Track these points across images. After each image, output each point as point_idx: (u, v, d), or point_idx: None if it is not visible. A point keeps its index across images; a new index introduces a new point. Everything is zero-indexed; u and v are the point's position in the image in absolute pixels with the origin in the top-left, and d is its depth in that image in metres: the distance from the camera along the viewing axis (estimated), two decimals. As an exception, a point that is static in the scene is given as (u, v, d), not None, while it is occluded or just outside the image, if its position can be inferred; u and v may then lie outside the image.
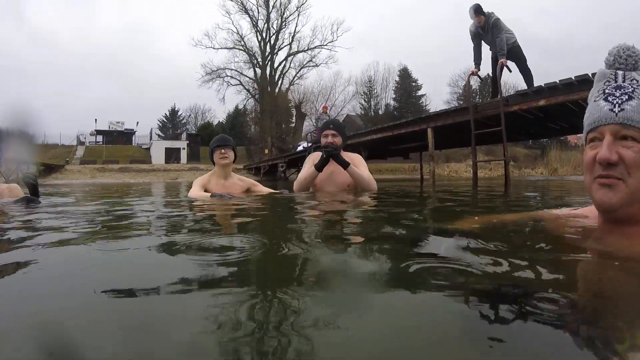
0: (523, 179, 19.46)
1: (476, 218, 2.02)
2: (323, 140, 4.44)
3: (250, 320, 0.77)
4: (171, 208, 3.45)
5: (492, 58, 8.69)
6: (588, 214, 1.63)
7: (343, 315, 0.79)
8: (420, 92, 59.95)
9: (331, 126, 4.52)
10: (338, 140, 4.38)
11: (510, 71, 8.43)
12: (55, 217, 2.53)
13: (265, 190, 4.60)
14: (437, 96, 75.72)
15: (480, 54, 8.65)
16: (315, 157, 4.48)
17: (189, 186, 4.76)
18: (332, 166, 4.35)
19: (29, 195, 3.53)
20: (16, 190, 4.07)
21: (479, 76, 9.03)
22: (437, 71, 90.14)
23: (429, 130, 10.09)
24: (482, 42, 8.58)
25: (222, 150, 4.36)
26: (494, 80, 8.71)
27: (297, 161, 23.39)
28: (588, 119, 1.40)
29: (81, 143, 52.77)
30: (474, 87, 28.51)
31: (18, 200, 3.35)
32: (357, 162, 4.45)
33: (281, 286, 0.97)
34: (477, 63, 8.68)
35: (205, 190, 4.26)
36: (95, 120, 55.34)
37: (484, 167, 31.13)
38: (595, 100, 1.39)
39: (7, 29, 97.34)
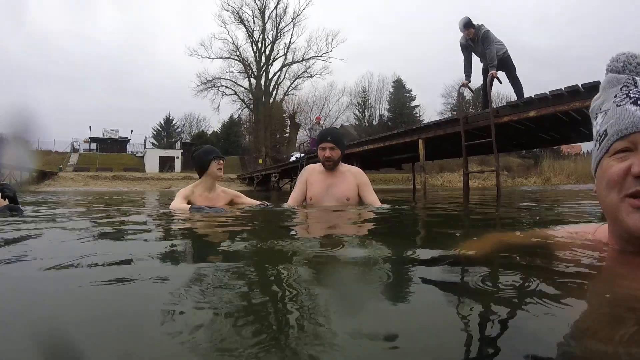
0: (516, 189, 19.51)
1: (475, 239, 1.82)
2: (320, 154, 4.15)
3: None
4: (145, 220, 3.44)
5: (482, 70, 8.73)
6: (601, 237, 1.35)
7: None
8: (414, 103, 60.18)
9: (329, 138, 4.14)
10: (336, 154, 4.09)
11: (500, 82, 8.50)
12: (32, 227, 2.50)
13: (249, 201, 4.50)
14: (431, 107, 75.98)
15: (471, 65, 8.71)
16: (310, 170, 4.29)
17: None
18: (331, 178, 4.14)
19: (10, 204, 3.46)
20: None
21: (470, 88, 9.08)
22: (431, 82, 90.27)
23: (420, 142, 10.17)
24: (473, 54, 8.64)
25: (221, 162, 4.26)
26: (485, 91, 8.72)
27: (290, 171, 23.47)
28: (614, 125, 1.15)
29: (75, 150, 53.03)
30: (467, 97, 28.56)
31: (3, 207, 3.29)
32: (362, 181, 4.17)
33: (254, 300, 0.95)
34: (467, 75, 8.73)
35: (189, 202, 4.14)
36: (90, 127, 55.72)
37: (477, 177, 31.12)
38: (619, 105, 1.15)
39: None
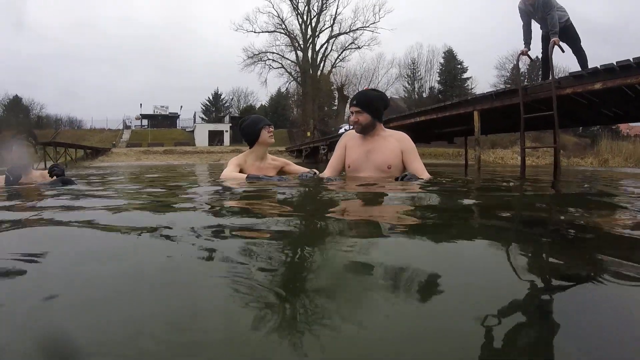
0: (572, 168, 18.73)
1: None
2: (350, 120, 3.91)
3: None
4: (207, 188, 3.43)
5: (542, 37, 8.16)
6: None
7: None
8: (465, 75, 57.78)
9: (354, 102, 3.82)
10: (363, 118, 3.73)
11: (562, 51, 7.84)
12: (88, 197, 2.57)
13: (298, 169, 4.45)
14: (484, 79, 73.61)
15: (530, 32, 8.13)
16: (349, 136, 4.00)
17: None
18: (371, 143, 3.80)
19: (62, 177, 3.49)
20: (45, 176, 4.10)
21: (529, 56, 8.48)
22: (484, 53, 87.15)
23: (475, 114, 9.66)
24: (532, 20, 8.07)
25: (271, 128, 4.19)
26: (545, 60, 8.17)
27: (338, 144, 23.34)
28: None
29: (127, 127, 54.69)
30: (522, 69, 27.47)
31: (53, 182, 3.30)
32: (407, 147, 3.76)
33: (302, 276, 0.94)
34: (526, 42, 8.15)
35: (242, 171, 4.10)
36: (140, 104, 57.44)
37: (531, 155, 29.94)
38: None
39: (50, 14, 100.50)
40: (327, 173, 3.99)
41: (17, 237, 1.41)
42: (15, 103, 60.39)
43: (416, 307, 0.76)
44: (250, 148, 4.24)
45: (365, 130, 3.79)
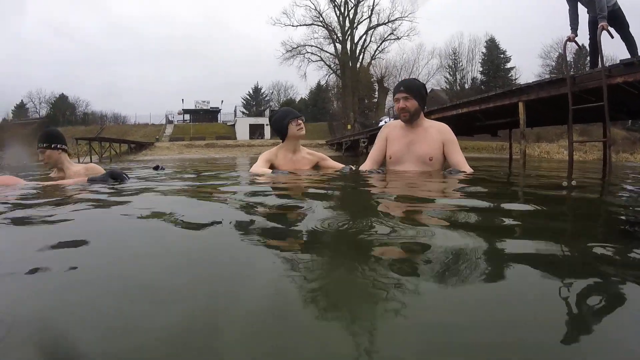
0: (620, 164, 17.90)
1: None
2: (395, 106, 3.76)
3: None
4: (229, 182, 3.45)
5: (589, 22, 7.77)
6: None
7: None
8: (509, 65, 56.14)
9: (402, 88, 3.68)
10: (411, 104, 3.60)
11: (611, 37, 7.44)
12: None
13: (335, 164, 4.30)
14: (528, 69, 71.40)
15: (577, 17, 7.75)
16: (390, 126, 3.90)
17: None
18: (412, 134, 3.69)
19: (112, 170, 3.42)
20: (94, 169, 4.14)
21: (577, 42, 8.07)
22: (527, 41, 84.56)
23: (520, 105, 9.30)
24: (579, 3, 7.69)
25: (299, 121, 4.06)
26: (593, 47, 7.75)
27: (379, 137, 23.18)
28: None
29: (170, 122, 56.00)
30: (569, 58, 26.51)
31: (104, 176, 3.23)
32: (448, 138, 3.64)
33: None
34: (573, 28, 7.77)
35: (272, 165, 4.06)
36: (182, 100, 59.03)
37: (578, 149, 28.65)
38: None
39: (87, 19, 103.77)
40: (367, 165, 3.91)
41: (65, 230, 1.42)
42: (62, 101, 62.75)
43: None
44: (282, 142, 4.17)
45: (412, 118, 3.67)
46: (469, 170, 3.50)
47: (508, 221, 1.45)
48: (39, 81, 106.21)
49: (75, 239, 1.21)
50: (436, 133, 3.66)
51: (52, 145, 4.11)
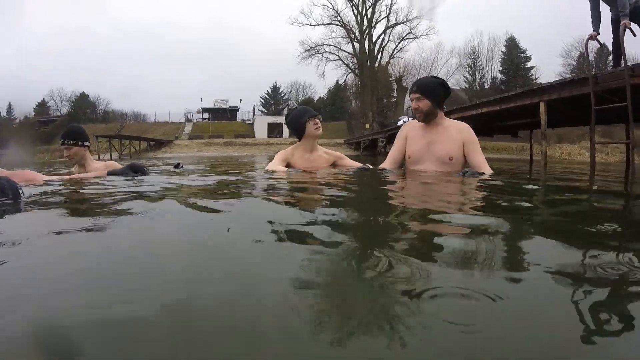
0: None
1: None
2: (411, 107, 3.72)
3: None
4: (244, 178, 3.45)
5: (612, 20, 7.58)
6: None
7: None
8: (529, 64, 55.07)
9: (414, 88, 3.66)
10: (423, 104, 3.56)
11: (634, 35, 7.25)
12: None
13: (352, 163, 4.24)
14: (548, 68, 69.98)
15: (599, 15, 7.54)
16: (410, 126, 3.84)
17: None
18: (432, 134, 3.63)
19: (133, 164, 3.44)
20: (113, 166, 4.19)
21: (599, 41, 7.87)
22: (547, 40, 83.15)
23: (542, 105, 9.10)
24: (601, 1, 7.53)
25: (316, 120, 4.02)
26: (616, 46, 7.59)
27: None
28: None
29: (189, 120, 56.68)
30: (590, 57, 26.01)
31: (124, 169, 3.27)
32: (468, 138, 3.56)
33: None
34: (595, 26, 7.56)
35: (288, 164, 4.03)
36: (201, 98, 59.56)
37: (600, 151, 27.81)
38: None
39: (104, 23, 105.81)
40: (386, 164, 3.88)
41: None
42: (83, 99, 63.87)
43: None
44: (299, 141, 4.14)
45: (427, 118, 3.62)
46: (489, 171, 3.42)
47: (529, 227, 1.40)
48: (59, 81, 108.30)
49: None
50: (456, 132, 3.58)
51: (79, 143, 4.16)
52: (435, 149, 3.59)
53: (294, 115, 4.12)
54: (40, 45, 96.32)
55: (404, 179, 3.21)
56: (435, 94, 3.60)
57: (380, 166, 3.89)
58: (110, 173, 3.20)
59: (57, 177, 3.36)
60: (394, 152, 3.89)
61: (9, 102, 62.26)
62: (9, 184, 1.97)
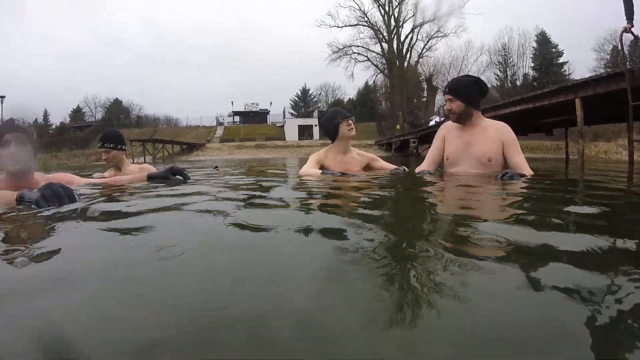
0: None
1: None
2: (445, 109, 3.69)
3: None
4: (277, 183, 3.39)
5: None
6: None
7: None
8: (561, 60, 53.29)
9: (446, 90, 3.63)
10: (456, 105, 3.50)
11: None
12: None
13: (386, 165, 4.18)
14: (581, 63, 67.86)
15: (633, 6, 7.30)
16: (447, 127, 3.76)
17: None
18: (470, 135, 3.54)
19: (174, 166, 3.40)
20: (148, 169, 4.33)
21: (633, 33, 7.55)
22: (579, 34, 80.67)
23: (577, 102, 8.96)
24: None
25: (350, 121, 3.99)
26: None
27: (429, 136, 22.79)
28: None
29: (220, 124, 57.27)
30: (624, 50, 25.15)
31: (164, 172, 3.25)
32: (507, 138, 3.45)
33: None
34: (629, 18, 7.29)
35: (322, 166, 3.99)
36: (232, 102, 60.63)
37: (638, 149, 26.98)
38: None
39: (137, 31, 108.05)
40: (424, 165, 3.80)
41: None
42: (116, 105, 65.65)
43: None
44: (332, 142, 4.12)
45: (462, 119, 3.56)
46: (529, 172, 3.28)
47: (575, 234, 1.35)
48: (92, 87, 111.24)
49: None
50: (494, 133, 3.49)
51: (118, 146, 4.29)
52: (473, 150, 3.51)
53: (327, 116, 4.11)
54: (74, 53, 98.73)
55: (441, 182, 3.10)
56: (468, 94, 3.53)
57: (418, 168, 3.81)
58: (149, 177, 3.21)
59: (94, 179, 3.39)
60: (432, 153, 3.84)
61: (45, 109, 64.09)
62: (65, 190, 1.97)
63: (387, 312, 0.70)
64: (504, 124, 3.57)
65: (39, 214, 1.74)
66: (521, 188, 2.55)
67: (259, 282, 0.86)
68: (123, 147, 4.37)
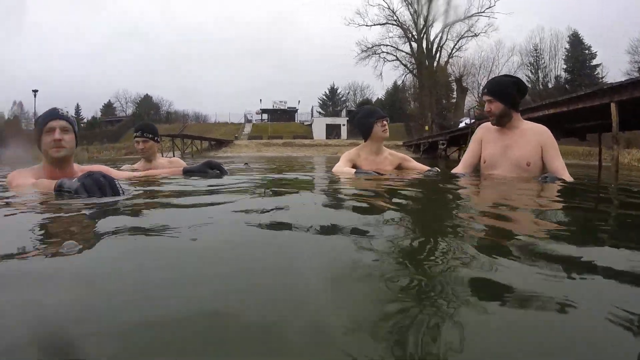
0: None
1: None
2: (484, 110, 3.57)
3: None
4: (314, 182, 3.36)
5: None
6: None
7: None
8: (594, 62, 51.81)
9: (485, 90, 3.50)
10: (495, 107, 3.37)
11: None
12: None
13: (418, 166, 4.12)
14: (615, 66, 65.96)
15: None
16: (485, 128, 3.62)
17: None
18: (509, 137, 3.40)
19: (210, 160, 3.43)
20: (177, 162, 4.47)
21: None
22: (612, 35, 78.42)
23: (613, 106, 8.70)
24: None
25: (384, 122, 3.93)
26: None
27: (459, 138, 22.60)
28: None
29: (248, 121, 58.08)
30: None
31: (201, 166, 3.27)
32: (547, 141, 3.30)
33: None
34: None
35: (354, 165, 3.93)
36: (260, 100, 60.78)
37: None
38: None
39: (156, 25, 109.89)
40: (459, 168, 3.69)
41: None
42: (146, 101, 67.07)
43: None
44: (364, 141, 4.08)
45: (501, 121, 3.42)
46: (569, 179, 3.13)
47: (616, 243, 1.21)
48: (122, 83, 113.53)
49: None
50: (534, 136, 3.35)
51: (155, 138, 4.37)
52: (512, 153, 3.38)
53: (361, 114, 4.10)
54: (104, 48, 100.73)
55: (477, 185, 3.03)
56: (508, 95, 3.40)
57: (454, 170, 3.71)
58: (186, 170, 3.24)
59: (131, 173, 3.41)
60: (468, 156, 3.73)
61: (77, 103, 65.58)
62: (106, 179, 1.89)
63: (408, 324, 0.64)
64: (544, 127, 3.43)
65: (78, 204, 1.69)
66: (562, 194, 2.45)
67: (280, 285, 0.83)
68: (158, 139, 4.46)
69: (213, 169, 3.20)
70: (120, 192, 1.89)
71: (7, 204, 1.89)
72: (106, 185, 1.86)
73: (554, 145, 3.33)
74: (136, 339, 0.59)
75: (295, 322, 0.64)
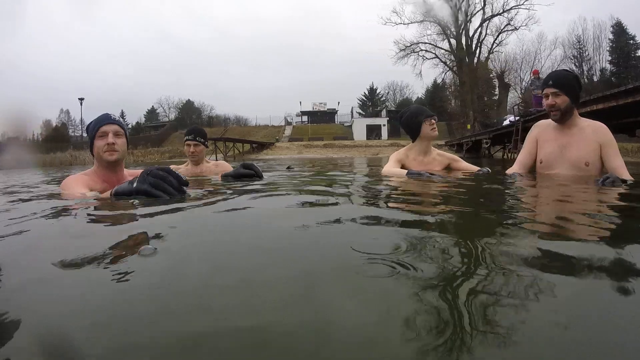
0: None
1: None
2: (544, 103, 3.36)
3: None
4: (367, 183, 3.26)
5: None
6: None
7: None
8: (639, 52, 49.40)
9: (550, 82, 3.26)
10: (561, 100, 3.18)
11: None
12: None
13: (468, 167, 4.04)
14: None
15: None
16: (540, 127, 3.49)
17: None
18: (566, 136, 3.26)
19: (246, 162, 3.35)
20: (223, 165, 4.63)
21: None
22: None
23: None
24: None
25: (432, 121, 3.89)
26: None
27: (503, 137, 22.07)
28: None
29: (288, 123, 58.81)
30: None
31: (236, 171, 3.21)
32: (605, 140, 3.15)
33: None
34: None
35: (403, 166, 3.89)
36: (300, 102, 61.17)
37: None
38: None
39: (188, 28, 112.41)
40: (514, 169, 3.56)
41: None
42: (188, 106, 68.98)
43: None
44: (412, 142, 4.02)
45: (564, 117, 3.26)
46: (629, 178, 2.91)
47: None
48: (161, 88, 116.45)
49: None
50: (592, 134, 3.19)
51: (205, 143, 4.54)
52: (570, 153, 3.26)
53: (410, 114, 4.01)
54: (148, 57, 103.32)
55: (534, 186, 2.88)
56: (572, 89, 3.24)
57: (508, 171, 3.59)
58: (224, 175, 3.19)
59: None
60: (523, 156, 3.60)
61: (122, 110, 67.58)
62: (165, 170, 1.91)
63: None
64: (602, 124, 3.26)
65: (142, 207, 1.70)
66: (626, 196, 2.22)
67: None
68: (207, 144, 4.63)
69: (246, 169, 3.16)
70: (184, 179, 1.93)
71: (68, 210, 1.89)
72: (168, 177, 1.89)
73: (612, 143, 3.19)
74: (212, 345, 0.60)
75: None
